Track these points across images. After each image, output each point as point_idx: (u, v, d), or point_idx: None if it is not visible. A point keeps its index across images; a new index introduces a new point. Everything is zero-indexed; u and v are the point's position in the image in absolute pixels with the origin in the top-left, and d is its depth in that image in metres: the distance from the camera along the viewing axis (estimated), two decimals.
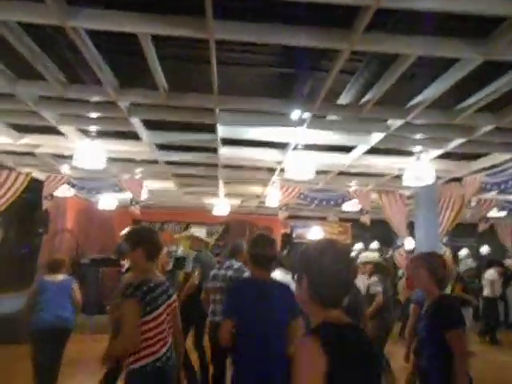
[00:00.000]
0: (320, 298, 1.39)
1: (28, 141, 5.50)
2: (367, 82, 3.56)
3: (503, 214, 7.66)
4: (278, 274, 4.51)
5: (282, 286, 2.69)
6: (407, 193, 7.24)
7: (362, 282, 5.11)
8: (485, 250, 12.99)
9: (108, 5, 2.54)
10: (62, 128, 4.80)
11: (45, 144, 5.67)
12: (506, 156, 5.09)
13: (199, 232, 6.32)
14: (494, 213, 7.56)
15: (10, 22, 2.71)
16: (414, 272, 2.69)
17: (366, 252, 5.05)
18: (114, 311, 3.42)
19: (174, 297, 2.60)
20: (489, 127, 4.06)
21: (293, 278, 4.54)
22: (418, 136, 4.69)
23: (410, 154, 5.40)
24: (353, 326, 1.44)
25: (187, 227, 11.74)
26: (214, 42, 2.72)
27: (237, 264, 4.25)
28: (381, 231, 11.53)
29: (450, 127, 4.27)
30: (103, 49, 3.17)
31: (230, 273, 4.17)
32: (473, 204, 7.21)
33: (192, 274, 5.12)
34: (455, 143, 4.67)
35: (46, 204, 6.90)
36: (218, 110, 4.03)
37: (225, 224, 11.85)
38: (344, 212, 10.29)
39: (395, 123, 4.14)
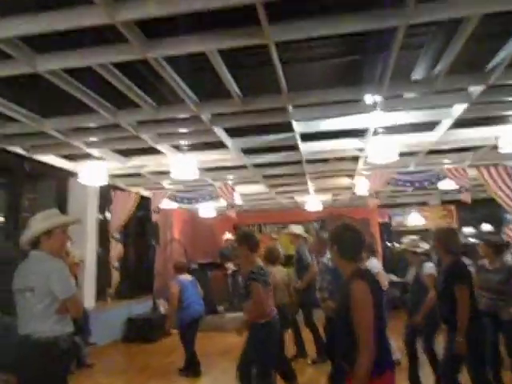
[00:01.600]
0: (348, 256, 2.25)
1: (135, 163, 6.30)
2: (436, 52, 3.47)
3: None
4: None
5: None
6: (510, 163, 6.62)
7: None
8: None
9: (175, 32, 2.91)
10: (159, 146, 5.43)
11: (147, 163, 6.45)
12: None
13: (297, 229, 6.59)
14: None
15: (107, 64, 3.24)
16: None
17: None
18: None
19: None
20: None
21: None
22: (510, 98, 4.34)
23: (504, 119, 4.99)
24: (371, 272, 2.45)
25: (284, 227, 12.10)
26: (274, 44, 2.94)
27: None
28: (492, 211, 10.57)
29: None
30: (180, 69, 3.60)
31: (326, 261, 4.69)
32: None
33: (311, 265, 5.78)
34: None
35: (154, 217, 7.75)
36: (290, 108, 4.24)
37: (320, 220, 11.92)
38: (446, 193, 9.69)
39: (477, 90, 3.91)
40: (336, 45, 3.54)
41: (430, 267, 4.25)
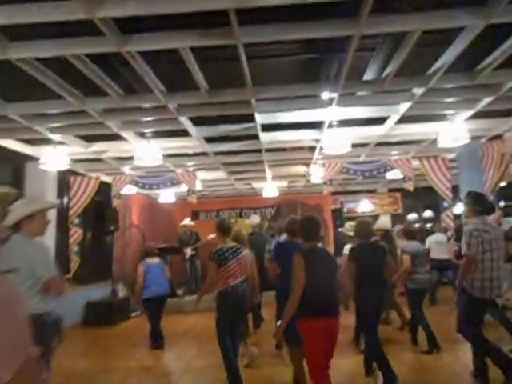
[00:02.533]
0: (305, 237, 3.21)
1: (96, 148, 6.33)
2: (386, 57, 3.88)
3: None
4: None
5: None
6: (450, 156, 7.33)
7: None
8: None
9: (152, 29, 3.10)
10: (123, 133, 5.53)
11: (109, 149, 6.49)
12: None
13: (250, 220, 7.34)
14: None
15: (80, 54, 3.35)
16: None
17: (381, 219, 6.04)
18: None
19: (242, 255, 4.18)
20: (511, 83, 4.21)
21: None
22: (448, 99, 4.89)
23: (443, 117, 5.58)
24: (320, 248, 3.33)
25: (241, 214, 12.48)
26: (242, 45, 3.20)
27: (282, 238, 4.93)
28: (433, 199, 11.48)
29: (476, 88, 4.44)
30: (150, 61, 3.76)
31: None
32: None
33: None
34: (484, 102, 4.81)
35: (115, 203, 7.80)
36: (253, 101, 4.52)
37: (276, 206, 12.39)
38: (392, 181, 10.43)
39: (419, 91, 4.40)
40: (298, 43, 3.84)
41: (345, 248, 5.45)
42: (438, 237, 8.03)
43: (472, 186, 6.63)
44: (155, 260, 6.06)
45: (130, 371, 4.91)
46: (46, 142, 5.90)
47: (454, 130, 5.33)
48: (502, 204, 11.21)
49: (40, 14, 2.73)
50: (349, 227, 6.33)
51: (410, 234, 5.28)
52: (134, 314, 8.23)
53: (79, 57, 3.41)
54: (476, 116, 5.52)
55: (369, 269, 4.01)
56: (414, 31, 3.12)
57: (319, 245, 3.42)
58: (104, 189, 8.16)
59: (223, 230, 4.24)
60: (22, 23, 2.84)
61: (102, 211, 9.05)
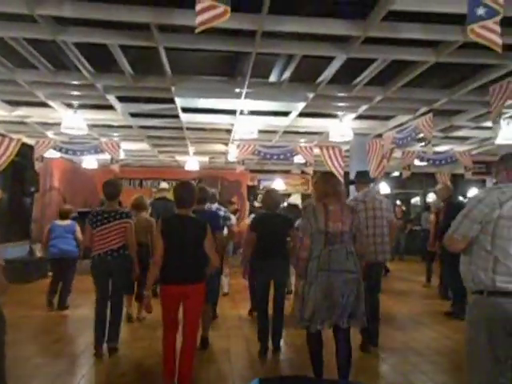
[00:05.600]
0: (176, 203, 3.18)
1: (20, 113, 6.59)
2: (283, 65, 4.81)
3: (424, 163, 9.12)
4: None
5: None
6: (345, 147, 8.63)
7: None
8: (431, 196, 14.77)
9: (85, 23, 3.68)
10: (50, 102, 5.91)
11: (34, 115, 6.78)
12: (406, 117, 6.47)
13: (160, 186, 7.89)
14: (416, 162, 9.05)
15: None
16: None
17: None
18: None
19: (121, 221, 4.10)
20: (379, 97, 5.39)
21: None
22: (334, 104, 6.00)
23: (335, 116, 6.74)
24: (184, 216, 3.15)
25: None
26: (163, 48, 3.91)
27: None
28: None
29: (354, 98, 5.58)
30: (80, 44, 4.26)
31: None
32: (399, 155, 8.67)
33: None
34: (362, 109, 5.99)
35: (37, 165, 8.03)
36: (173, 88, 5.23)
37: (198, 179, 13.15)
38: (304, 165, 11.71)
39: (310, 95, 5.42)
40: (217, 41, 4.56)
41: (249, 217, 6.00)
42: None
43: None
44: (65, 222, 6.17)
45: (49, 317, 5.53)
46: None
47: (342, 128, 6.51)
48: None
49: None
50: (259, 199, 6.93)
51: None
52: (50, 274, 8.59)
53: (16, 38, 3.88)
54: (360, 118, 6.74)
55: (268, 239, 3.99)
56: (296, 54, 4.06)
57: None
58: (26, 151, 8.31)
59: (105, 193, 4.23)
60: None
61: (22, 172, 9.16)
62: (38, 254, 8.84)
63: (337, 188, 3.11)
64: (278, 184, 12.49)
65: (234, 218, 6.20)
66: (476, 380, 2.09)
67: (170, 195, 8.47)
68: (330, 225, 2.94)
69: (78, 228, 6.16)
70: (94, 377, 3.65)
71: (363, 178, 4.45)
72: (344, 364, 3.05)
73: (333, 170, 8.39)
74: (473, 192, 12.17)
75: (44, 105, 6.10)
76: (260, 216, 4.34)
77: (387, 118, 7.01)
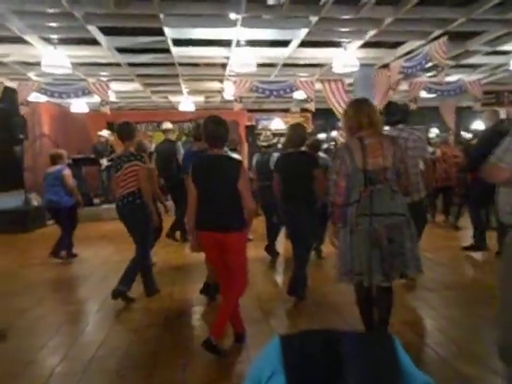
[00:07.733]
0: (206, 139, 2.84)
1: None
2: None
3: (432, 95, 8.64)
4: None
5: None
6: (348, 80, 8.11)
7: None
8: (433, 131, 14.34)
9: None
10: (27, 37, 5.36)
11: (11, 53, 6.21)
12: (418, 42, 5.95)
13: (163, 126, 7.30)
14: (423, 94, 8.57)
15: None
16: None
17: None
18: None
19: (130, 164, 3.79)
20: (389, 19, 4.87)
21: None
22: (340, 29, 5.46)
23: (339, 45, 6.19)
24: (219, 156, 2.81)
25: (159, 125, 12.59)
26: None
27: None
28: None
29: (361, 20, 5.04)
30: None
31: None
32: (404, 88, 8.19)
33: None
34: (370, 34, 5.46)
35: (23, 110, 7.58)
36: (162, 15, 4.69)
37: (194, 120, 12.66)
38: (305, 101, 11.17)
39: (314, 18, 4.89)
40: None
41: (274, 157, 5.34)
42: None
43: None
44: (54, 168, 5.60)
45: (49, 266, 5.41)
46: None
47: (346, 58, 6.00)
48: None
49: None
50: (263, 138, 6.44)
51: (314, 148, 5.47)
52: (50, 222, 8.42)
53: None
54: (367, 46, 6.21)
55: (292, 180, 3.70)
56: None
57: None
58: (9, 95, 7.80)
59: (118, 136, 3.97)
60: None
61: (7, 119, 8.69)
62: (35, 203, 8.64)
63: (372, 117, 2.56)
64: (277, 123, 12.04)
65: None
66: (508, 318, 1.93)
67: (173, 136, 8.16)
68: (368, 162, 2.47)
69: (68, 173, 5.57)
70: (97, 324, 3.54)
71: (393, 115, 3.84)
72: (385, 315, 2.67)
73: (336, 105, 7.97)
74: (478, 125, 11.77)
75: (20, 40, 5.53)
76: (284, 156, 3.88)
77: (395, 45, 6.46)
